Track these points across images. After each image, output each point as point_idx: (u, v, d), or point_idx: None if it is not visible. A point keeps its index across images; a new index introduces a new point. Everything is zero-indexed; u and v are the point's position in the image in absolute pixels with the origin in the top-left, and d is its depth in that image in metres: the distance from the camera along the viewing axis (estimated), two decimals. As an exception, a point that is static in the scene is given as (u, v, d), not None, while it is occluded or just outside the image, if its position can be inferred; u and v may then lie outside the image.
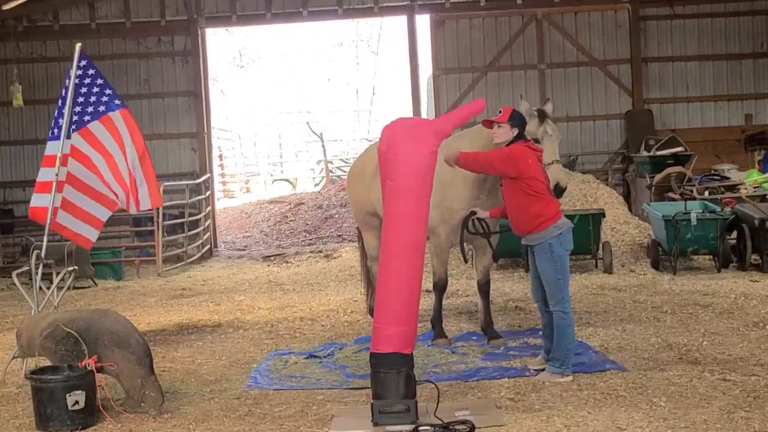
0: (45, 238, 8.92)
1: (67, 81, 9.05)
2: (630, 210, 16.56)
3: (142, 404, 6.82)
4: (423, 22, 19.69)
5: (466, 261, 8.49)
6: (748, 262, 13.01)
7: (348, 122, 40.48)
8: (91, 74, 9.20)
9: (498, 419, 6.33)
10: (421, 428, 6.18)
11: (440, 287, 9.21)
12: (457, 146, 9.04)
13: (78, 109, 9.07)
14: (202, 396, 7.40)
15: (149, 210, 17.17)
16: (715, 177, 16.24)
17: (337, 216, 22.28)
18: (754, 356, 7.86)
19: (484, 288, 9.13)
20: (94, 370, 6.64)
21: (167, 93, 19.36)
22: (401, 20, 20.46)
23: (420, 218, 6.48)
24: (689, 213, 13.00)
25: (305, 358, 8.63)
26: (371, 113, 42.16)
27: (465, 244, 8.83)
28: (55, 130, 8.99)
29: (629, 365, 7.71)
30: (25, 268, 8.92)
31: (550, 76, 19.33)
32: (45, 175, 8.93)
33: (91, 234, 9.32)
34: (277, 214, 23.70)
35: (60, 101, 9.13)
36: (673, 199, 14.91)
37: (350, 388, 7.44)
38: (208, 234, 18.85)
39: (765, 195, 14.69)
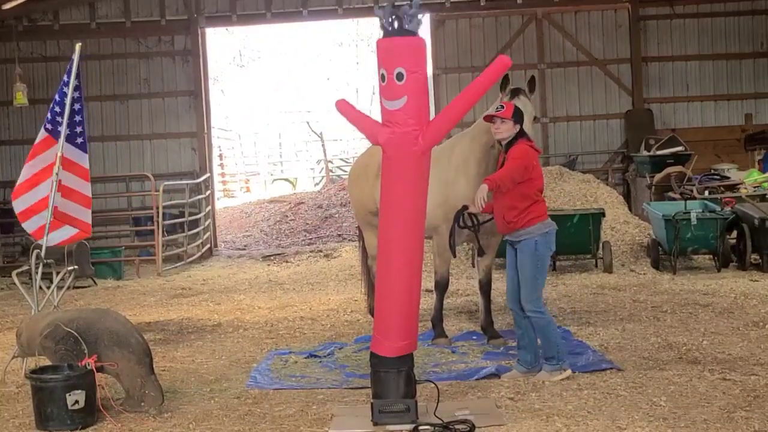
0: (45, 238, 8.91)
1: (66, 78, 9.01)
2: (630, 209, 16.55)
3: (142, 404, 6.82)
4: (423, 21, 19.66)
5: (454, 255, 8.39)
6: (748, 261, 13.01)
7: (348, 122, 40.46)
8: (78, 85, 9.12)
9: (498, 419, 6.33)
10: (421, 428, 6.18)
11: (442, 286, 9.21)
12: (459, 146, 9.05)
13: (78, 118, 9.05)
14: (202, 395, 7.40)
15: (149, 209, 17.32)
16: (715, 176, 16.23)
17: (337, 215, 22.30)
18: (754, 356, 7.86)
19: (485, 287, 9.12)
20: (94, 370, 6.64)
21: (167, 92, 19.36)
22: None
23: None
24: (689, 212, 12.99)
25: (305, 358, 8.63)
26: (371, 113, 42.16)
27: (466, 243, 8.82)
28: (48, 126, 8.93)
29: (629, 365, 7.70)
30: (25, 268, 8.91)
31: (550, 75, 19.33)
32: (31, 169, 8.90)
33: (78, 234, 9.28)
34: (277, 214, 23.71)
35: (58, 96, 9.04)
36: (673, 199, 14.90)
37: (350, 388, 7.43)
38: (208, 233, 18.86)
39: (765, 194, 14.68)
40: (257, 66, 42.84)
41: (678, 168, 16.50)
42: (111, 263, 16.34)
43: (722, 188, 15.26)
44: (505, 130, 7.50)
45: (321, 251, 17.69)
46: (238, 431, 6.39)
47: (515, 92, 8.17)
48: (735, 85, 19.45)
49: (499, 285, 12.27)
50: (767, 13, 19.48)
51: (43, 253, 8.65)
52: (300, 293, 13.16)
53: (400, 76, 6.03)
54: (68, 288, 10.17)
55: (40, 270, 8.62)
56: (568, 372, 7.35)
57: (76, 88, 8.99)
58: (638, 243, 14.49)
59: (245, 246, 20.32)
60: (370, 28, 40.96)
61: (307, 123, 35.43)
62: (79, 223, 9.14)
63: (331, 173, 31.18)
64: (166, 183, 17.47)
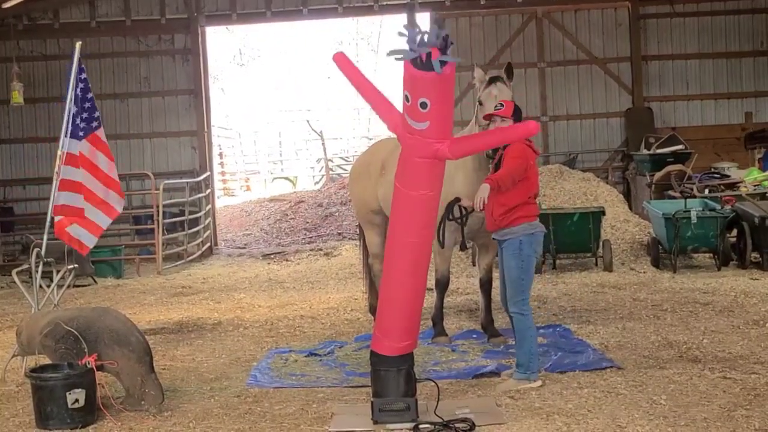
0: (45, 237, 8.92)
1: (75, 78, 9.06)
2: (630, 208, 16.55)
3: (143, 402, 6.82)
4: (423, 20, 19.68)
5: (442, 246, 8.30)
6: (748, 260, 13.01)
7: (348, 120, 40.49)
8: (85, 78, 9.23)
9: (498, 417, 6.33)
10: (421, 426, 6.19)
11: (442, 285, 9.21)
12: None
13: (86, 115, 9.09)
14: (202, 394, 7.40)
15: (149, 208, 17.32)
16: (715, 175, 16.21)
17: (337, 214, 22.30)
18: (755, 354, 7.86)
19: (485, 286, 9.11)
20: (94, 368, 6.64)
21: (167, 91, 19.36)
22: (401, 19, 20.45)
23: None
24: (689, 211, 12.99)
25: (305, 356, 8.63)
26: (371, 111, 42.10)
27: (468, 241, 8.79)
28: (81, 133, 9.04)
29: (629, 363, 7.70)
30: (25, 266, 8.91)
31: (550, 74, 19.34)
32: (69, 174, 8.98)
33: (90, 240, 9.36)
34: (277, 212, 23.71)
35: (71, 100, 9.12)
36: (673, 197, 14.89)
37: (350, 386, 7.44)
38: (209, 232, 18.86)
39: (765, 193, 14.67)
40: (257, 65, 42.83)
41: (678, 166, 16.50)
42: (111, 262, 16.34)
43: (722, 187, 15.25)
44: None
45: (321, 250, 17.69)
46: (238, 430, 6.39)
47: (493, 80, 8.15)
48: (735, 83, 19.45)
49: (500, 284, 12.28)
50: (767, 12, 19.48)
51: (43, 252, 8.66)
52: (300, 292, 13.16)
53: (424, 105, 5.79)
54: (68, 286, 10.18)
55: (40, 268, 8.62)
56: (538, 383, 7.11)
57: (85, 89, 9.05)
58: (638, 241, 14.49)
59: (245, 244, 20.32)
60: (370, 26, 40.98)
61: (307, 122, 35.41)
62: (109, 208, 9.28)
63: (331, 172, 31.17)
64: (167, 181, 17.48)
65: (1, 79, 18.86)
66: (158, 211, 16.53)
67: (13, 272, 8.85)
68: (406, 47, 5.72)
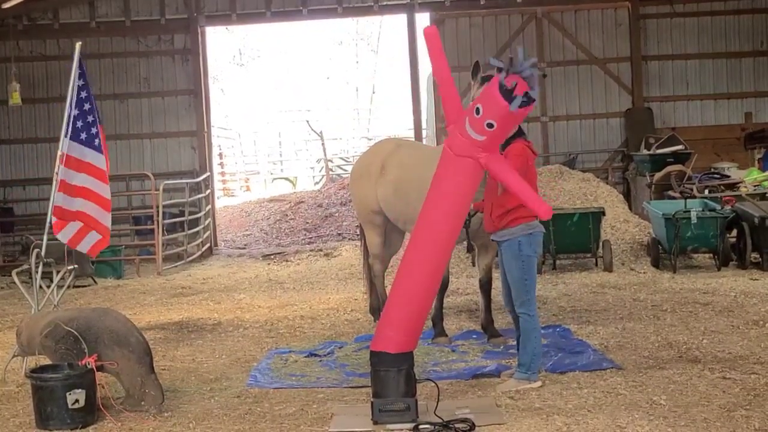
0: (45, 237, 8.93)
1: (77, 80, 9.05)
2: (630, 208, 16.54)
3: (143, 403, 6.82)
4: (423, 20, 19.69)
5: None
6: (748, 260, 13.01)
7: (348, 121, 40.51)
8: (85, 82, 9.22)
9: (498, 417, 6.33)
10: (421, 426, 6.19)
11: (442, 285, 9.18)
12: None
13: (90, 118, 9.09)
14: (202, 394, 7.40)
15: (149, 208, 17.30)
16: (715, 175, 16.22)
17: (337, 214, 22.29)
18: (754, 354, 7.86)
19: (485, 286, 9.12)
20: (94, 369, 6.64)
21: (167, 91, 19.36)
22: (401, 19, 20.47)
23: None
24: (689, 211, 12.99)
25: (305, 357, 8.63)
26: (371, 112, 42.18)
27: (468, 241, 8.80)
28: (82, 135, 9.05)
29: (629, 363, 7.70)
30: (25, 267, 8.92)
31: (550, 74, 19.28)
32: (66, 175, 8.98)
33: (102, 243, 9.40)
34: (277, 213, 23.71)
35: (76, 103, 9.12)
36: (673, 198, 14.90)
37: (350, 387, 7.44)
38: (208, 232, 18.86)
39: (765, 193, 14.67)
40: (257, 65, 42.84)
41: (678, 167, 16.49)
42: (111, 262, 16.33)
43: (722, 187, 15.26)
44: None
45: (321, 250, 17.69)
46: (238, 430, 6.39)
47: (486, 79, 8.13)
48: (735, 83, 19.45)
49: (500, 284, 12.28)
50: (767, 12, 19.48)
51: (43, 252, 8.66)
52: (300, 292, 13.16)
53: (490, 126, 6.10)
54: (68, 287, 10.17)
55: (40, 269, 8.62)
56: (538, 384, 7.13)
57: (84, 88, 9.04)
58: (638, 242, 14.49)
59: (245, 245, 20.32)
60: (370, 26, 40.98)
61: (307, 122, 35.41)
62: (101, 228, 9.25)
63: (331, 172, 31.17)
64: (166, 182, 17.48)
65: (1, 80, 18.87)
66: (158, 212, 16.53)
67: (13, 273, 8.86)
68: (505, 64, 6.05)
